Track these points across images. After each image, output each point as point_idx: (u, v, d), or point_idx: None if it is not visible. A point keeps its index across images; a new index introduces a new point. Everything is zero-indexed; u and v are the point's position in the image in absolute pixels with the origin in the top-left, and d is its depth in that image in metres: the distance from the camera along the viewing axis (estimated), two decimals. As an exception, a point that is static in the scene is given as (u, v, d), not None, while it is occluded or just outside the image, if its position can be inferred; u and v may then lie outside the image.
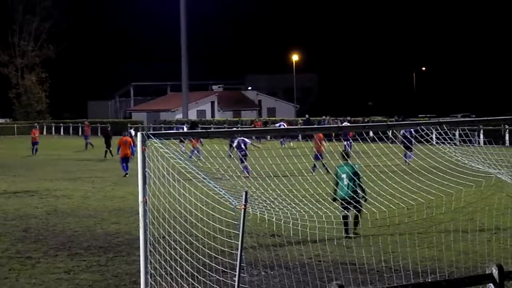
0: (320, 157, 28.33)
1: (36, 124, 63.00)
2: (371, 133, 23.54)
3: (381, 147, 14.05)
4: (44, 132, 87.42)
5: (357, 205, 15.85)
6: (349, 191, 16.33)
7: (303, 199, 12.98)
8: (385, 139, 19.42)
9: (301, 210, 12.43)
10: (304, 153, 37.50)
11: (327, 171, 26.36)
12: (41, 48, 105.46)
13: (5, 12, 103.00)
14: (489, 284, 7.45)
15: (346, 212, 16.28)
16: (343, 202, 16.31)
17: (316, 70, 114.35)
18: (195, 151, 32.21)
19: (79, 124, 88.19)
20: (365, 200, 15.83)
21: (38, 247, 16.42)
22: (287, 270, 13.51)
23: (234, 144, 31.10)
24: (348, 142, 38.20)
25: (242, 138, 30.87)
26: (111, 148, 43.77)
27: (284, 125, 52.13)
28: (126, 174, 32.40)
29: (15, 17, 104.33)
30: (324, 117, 67.55)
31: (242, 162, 28.79)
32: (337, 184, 16.73)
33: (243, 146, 30.94)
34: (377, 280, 12.36)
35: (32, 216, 21.20)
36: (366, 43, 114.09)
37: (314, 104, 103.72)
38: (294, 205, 12.22)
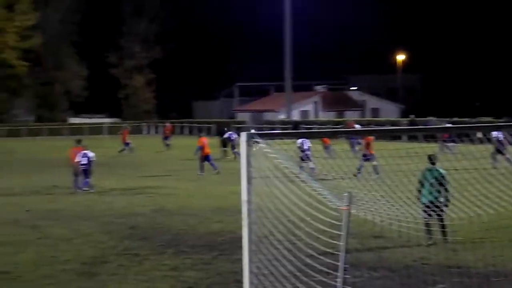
0: (369, 159, 28.22)
1: (127, 125, 64.15)
2: (478, 134, 22.91)
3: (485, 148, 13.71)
4: (152, 132, 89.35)
5: (440, 212, 15.31)
6: (433, 197, 15.79)
7: (407, 201, 12.81)
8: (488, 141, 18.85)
9: (405, 212, 12.26)
10: (414, 154, 36.92)
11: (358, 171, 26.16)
12: (148, 50, 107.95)
13: (114, 14, 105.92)
14: None
15: (429, 218, 15.62)
16: (426, 207, 15.48)
17: (420, 70, 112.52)
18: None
19: (184, 124, 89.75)
20: (447, 206, 15.34)
21: (145, 244, 16.80)
22: (390, 272, 13.35)
23: (297, 145, 31.08)
24: (446, 144, 37.58)
25: (304, 139, 30.95)
26: (226, 148, 44.39)
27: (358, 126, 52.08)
28: (217, 171, 33.45)
29: (124, 20, 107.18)
30: (430, 118, 66.34)
31: (304, 161, 29.05)
32: (421, 188, 16.10)
33: (305, 146, 31.04)
34: (484, 285, 12.04)
35: (139, 214, 21.70)
36: (472, 41, 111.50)
37: (418, 105, 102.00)
38: (398, 207, 12.06)
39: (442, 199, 15.75)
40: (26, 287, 12.91)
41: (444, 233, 15.71)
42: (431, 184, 15.93)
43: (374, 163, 28.04)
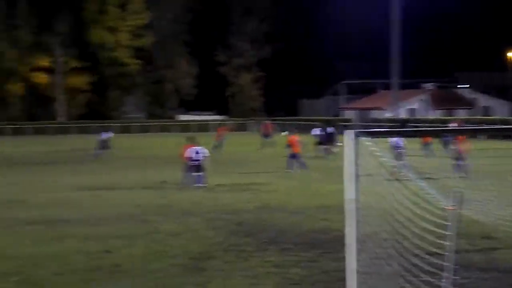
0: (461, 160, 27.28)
1: (223, 123, 64.73)
2: None
3: None
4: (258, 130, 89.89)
5: None
6: None
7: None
8: None
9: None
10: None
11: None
12: (257, 49, 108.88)
13: (224, 14, 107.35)
14: None
15: None
16: None
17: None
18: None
19: (290, 122, 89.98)
20: None
21: (251, 241, 16.94)
22: (500, 273, 13.01)
23: (391, 144, 30.55)
24: None
25: (397, 138, 30.45)
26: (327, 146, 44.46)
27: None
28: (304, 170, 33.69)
29: (234, 19, 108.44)
30: None
31: (398, 160, 28.52)
32: None
33: (400, 144, 30.57)
34: None
35: (245, 210, 21.91)
36: None
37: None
38: (508, 207, 11.74)
39: None
40: (135, 280, 13.25)
41: None
42: None
43: (461, 162, 27.31)
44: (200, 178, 27.98)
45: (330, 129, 45.42)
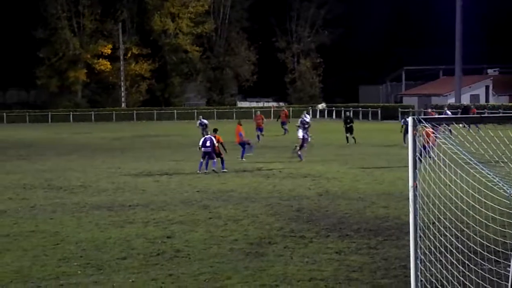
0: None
1: (258, 111, 64.52)
2: None
3: None
4: (317, 116, 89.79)
5: None
6: None
7: None
8: None
9: None
10: None
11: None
12: (316, 34, 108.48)
13: (283, 0, 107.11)
14: None
15: None
16: None
17: None
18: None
19: (349, 109, 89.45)
20: None
21: (311, 227, 16.97)
22: None
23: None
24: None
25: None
26: (351, 135, 44.18)
27: (448, 113, 50.05)
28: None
29: (293, 5, 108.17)
30: None
31: None
32: None
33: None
34: None
35: (305, 197, 21.93)
36: None
37: None
38: None
39: None
40: (196, 265, 13.39)
41: None
42: None
43: None
44: (214, 163, 28.75)
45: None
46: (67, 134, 62.80)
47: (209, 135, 29.80)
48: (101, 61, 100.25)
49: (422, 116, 9.95)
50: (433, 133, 10.14)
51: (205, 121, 48.87)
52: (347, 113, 50.87)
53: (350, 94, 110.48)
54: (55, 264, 13.61)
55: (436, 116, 44.21)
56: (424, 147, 10.71)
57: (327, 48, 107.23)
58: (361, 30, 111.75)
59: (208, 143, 28.78)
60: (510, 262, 9.58)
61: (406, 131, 42.07)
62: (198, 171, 28.64)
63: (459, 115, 47.51)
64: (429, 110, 56.03)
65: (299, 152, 33.77)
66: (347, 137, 44.88)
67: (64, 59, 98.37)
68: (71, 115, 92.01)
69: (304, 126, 44.49)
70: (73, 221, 18.17)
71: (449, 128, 12.45)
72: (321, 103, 42.39)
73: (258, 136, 47.06)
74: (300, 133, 34.35)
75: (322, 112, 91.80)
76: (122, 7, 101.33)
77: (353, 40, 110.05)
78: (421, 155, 9.62)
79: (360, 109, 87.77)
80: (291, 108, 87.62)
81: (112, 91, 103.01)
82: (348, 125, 45.51)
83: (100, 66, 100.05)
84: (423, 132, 28.51)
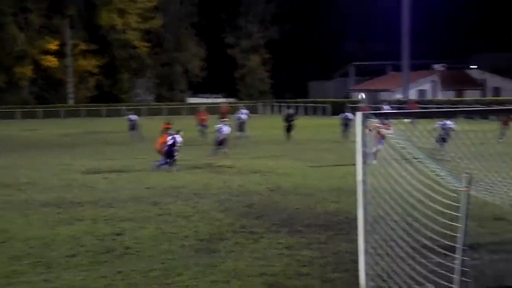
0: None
1: (202, 107, 64.10)
2: None
3: None
4: (268, 112, 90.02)
5: None
6: None
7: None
8: None
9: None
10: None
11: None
12: (265, 30, 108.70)
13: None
14: None
15: None
16: None
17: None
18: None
19: (299, 104, 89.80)
20: None
21: (261, 223, 16.99)
22: (511, 255, 13.02)
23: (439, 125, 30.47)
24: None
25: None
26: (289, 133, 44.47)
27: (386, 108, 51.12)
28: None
29: (242, 0, 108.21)
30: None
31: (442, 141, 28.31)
32: None
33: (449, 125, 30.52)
34: None
35: (255, 192, 21.96)
36: None
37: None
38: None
39: None
40: (147, 262, 13.32)
41: None
42: None
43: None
44: (166, 162, 28.43)
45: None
46: (15, 131, 61.88)
47: (176, 135, 29.24)
48: (48, 58, 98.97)
49: (370, 111, 10.03)
50: (383, 128, 10.24)
51: (134, 117, 48.54)
52: (290, 111, 50.96)
53: (300, 89, 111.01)
54: (6, 262, 13.40)
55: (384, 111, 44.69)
56: (377, 142, 10.85)
57: (276, 43, 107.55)
58: (311, 26, 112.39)
59: (173, 142, 28.51)
60: (457, 255, 9.72)
61: (345, 126, 42.66)
62: (158, 170, 28.15)
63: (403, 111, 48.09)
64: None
65: (217, 150, 33.44)
66: (286, 135, 44.89)
67: (11, 55, 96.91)
68: (18, 112, 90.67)
69: (239, 123, 44.51)
70: (21, 219, 17.92)
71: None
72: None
73: (202, 132, 46.11)
74: (225, 130, 34.00)
75: (272, 108, 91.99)
76: (69, 2, 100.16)
77: (303, 35, 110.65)
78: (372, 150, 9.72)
79: (309, 104, 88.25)
80: (242, 104, 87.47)
81: (60, 87, 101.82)
82: (288, 123, 45.65)
83: (47, 62, 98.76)
84: (374, 127, 28.55)
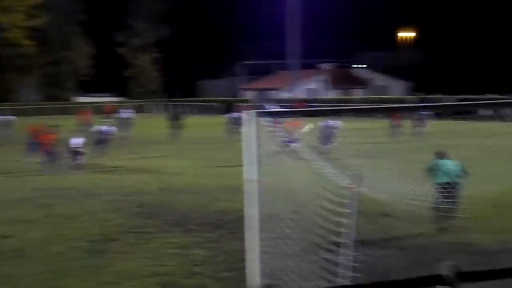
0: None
1: (87, 107, 63.03)
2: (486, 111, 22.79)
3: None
4: (158, 111, 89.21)
5: (455, 193, 14.96)
6: (451, 178, 15.10)
7: (416, 179, 12.79)
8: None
9: (415, 191, 12.24)
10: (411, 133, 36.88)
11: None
12: (155, 29, 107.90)
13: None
14: None
15: (444, 198, 14.97)
16: (442, 188, 15.04)
17: (426, 47, 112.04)
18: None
19: (190, 103, 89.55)
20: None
21: (153, 222, 16.84)
22: (399, 250, 13.38)
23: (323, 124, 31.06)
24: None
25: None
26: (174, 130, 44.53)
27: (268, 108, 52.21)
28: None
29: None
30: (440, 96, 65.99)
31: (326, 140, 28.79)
32: (436, 170, 15.37)
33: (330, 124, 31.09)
34: (492, 261, 12.03)
35: (146, 192, 21.75)
36: (479, 18, 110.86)
37: (426, 82, 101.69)
38: (408, 185, 12.05)
39: (459, 181, 15.17)
40: (35, 264, 12.98)
41: (455, 213, 15.23)
42: (448, 167, 15.29)
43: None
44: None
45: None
46: None
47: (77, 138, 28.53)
48: None
49: (261, 110, 10.09)
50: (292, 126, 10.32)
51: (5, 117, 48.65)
52: (177, 109, 50.82)
53: (191, 88, 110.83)
54: None
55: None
56: (287, 141, 10.92)
57: (167, 42, 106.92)
58: (201, 24, 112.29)
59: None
60: (347, 251, 9.90)
61: (233, 125, 42.83)
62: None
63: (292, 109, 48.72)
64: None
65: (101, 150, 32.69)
66: (173, 134, 44.67)
67: None
68: None
69: (122, 122, 43.77)
70: None
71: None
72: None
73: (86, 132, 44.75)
74: (107, 130, 33.62)
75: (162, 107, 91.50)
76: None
77: (193, 34, 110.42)
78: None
79: (199, 103, 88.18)
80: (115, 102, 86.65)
81: None
82: (176, 122, 45.54)
83: None
84: (286, 125, 28.72)
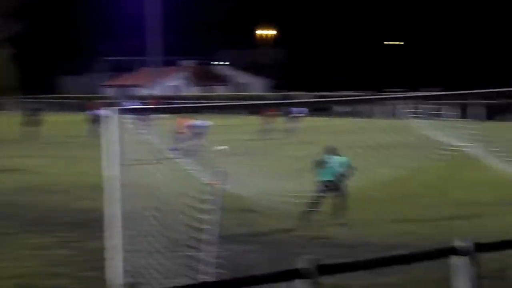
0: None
1: None
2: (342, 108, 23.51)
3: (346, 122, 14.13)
4: (15, 109, 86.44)
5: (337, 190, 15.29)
6: (333, 175, 15.32)
7: (278, 175, 13.05)
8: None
9: (277, 186, 12.47)
10: (277, 129, 37.54)
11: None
12: (8, 24, 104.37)
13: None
14: (459, 256, 7.56)
15: (323, 195, 15.34)
16: (324, 186, 15.34)
17: (287, 45, 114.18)
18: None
19: (49, 100, 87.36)
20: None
21: (11, 223, 16.35)
22: (262, 245, 13.59)
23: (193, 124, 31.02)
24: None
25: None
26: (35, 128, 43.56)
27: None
28: None
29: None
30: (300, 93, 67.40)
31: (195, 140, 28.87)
32: (319, 167, 15.56)
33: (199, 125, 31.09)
34: (350, 255, 12.45)
35: (3, 192, 21.05)
36: (337, 17, 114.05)
37: (286, 79, 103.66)
38: (270, 181, 12.27)
39: (342, 179, 15.40)
40: None
41: (341, 211, 15.48)
42: (334, 164, 15.42)
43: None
44: None
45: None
46: None
47: None
48: None
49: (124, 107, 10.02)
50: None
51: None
52: (34, 106, 49.50)
53: (50, 85, 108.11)
54: None
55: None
56: (180, 139, 10.82)
57: (23, 38, 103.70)
58: (60, 20, 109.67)
59: None
60: (211, 247, 10.00)
61: (94, 123, 41.98)
62: None
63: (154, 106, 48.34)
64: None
65: None
66: (29, 131, 43.46)
67: None
68: None
69: None
70: None
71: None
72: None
73: None
74: None
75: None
76: None
77: (51, 30, 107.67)
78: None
79: (59, 100, 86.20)
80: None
81: None
82: (31, 119, 44.39)
83: None
84: (177, 123, 28.18)
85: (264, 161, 13.37)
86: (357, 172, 15.46)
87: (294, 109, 38.90)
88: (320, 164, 15.58)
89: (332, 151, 15.86)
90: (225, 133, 33.18)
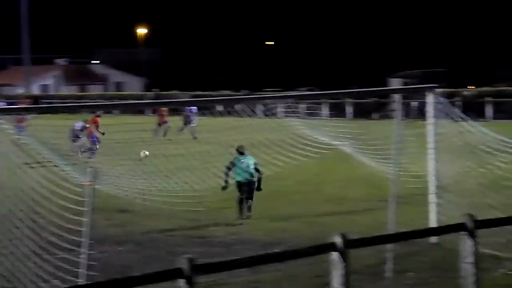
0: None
1: None
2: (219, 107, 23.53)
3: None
4: None
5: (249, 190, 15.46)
6: (248, 176, 15.45)
7: (154, 174, 12.90)
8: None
9: (153, 185, 12.31)
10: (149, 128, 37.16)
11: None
12: None
13: None
14: (333, 252, 7.65)
15: (242, 196, 15.46)
16: (241, 186, 15.48)
17: (161, 44, 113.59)
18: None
19: None
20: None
21: None
22: (136, 245, 13.39)
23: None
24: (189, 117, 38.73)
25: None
26: None
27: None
28: None
29: None
30: (174, 91, 67.12)
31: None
32: (231, 169, 15.64)
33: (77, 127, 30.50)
34: (226, 252, 12.44)
35: None
36: (212, 17, 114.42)
37: (161, 78, 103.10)
38: (144, 180, 12.12)
39: (254, 179, 15.48)
40: None
41: (250, 209, 15.57)
42: (244, 165, 15.49)
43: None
44: None
45: None
46: None
47: None
48: None
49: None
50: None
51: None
52: None
53: None
54: None
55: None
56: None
57: None
58: None
59: None
60: (83, 249, 9.75)
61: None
62: None
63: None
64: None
65: None
66: None
67: None
68: None
69: None
70: None
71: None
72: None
73: None
74: None
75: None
76: None
77: None
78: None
79: None
80: None
81: None
82: None
83: None
84: (90, 122, 27.19)
85: (135, 160, 13.19)
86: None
87: (191, 108, 37.98)
88: (234, 164, 15.65)
89: (242, 152, 15.87)
90: (114, 133, 32.27)
